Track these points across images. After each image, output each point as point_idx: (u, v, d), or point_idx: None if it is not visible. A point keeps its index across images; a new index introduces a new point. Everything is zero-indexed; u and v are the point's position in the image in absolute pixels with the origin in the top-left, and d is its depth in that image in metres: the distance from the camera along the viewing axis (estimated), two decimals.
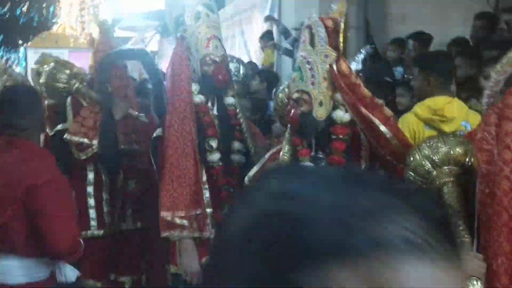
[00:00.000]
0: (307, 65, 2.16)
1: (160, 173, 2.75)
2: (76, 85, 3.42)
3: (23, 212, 2.31)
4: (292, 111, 2.19)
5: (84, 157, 3.26)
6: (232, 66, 3.39)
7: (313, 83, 2.17)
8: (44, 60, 4.09)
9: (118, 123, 3.27)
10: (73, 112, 3.36)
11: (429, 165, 1.84)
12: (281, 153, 2.32)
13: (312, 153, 2.28)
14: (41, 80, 3.58)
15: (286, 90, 2.62)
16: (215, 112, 2.88)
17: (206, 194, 2.76)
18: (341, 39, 2.21)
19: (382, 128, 2.16)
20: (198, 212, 2.69)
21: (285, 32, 6.37)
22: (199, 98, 2.80)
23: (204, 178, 2.78)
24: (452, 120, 2.80)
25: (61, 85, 3.44)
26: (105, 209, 3.43)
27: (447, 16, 6.11)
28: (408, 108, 3.32)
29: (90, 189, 3.40)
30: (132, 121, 3.41)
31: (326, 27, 2.18)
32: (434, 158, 1.83)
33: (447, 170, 1.82)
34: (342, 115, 2.24)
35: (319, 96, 2.19)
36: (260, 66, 7.26)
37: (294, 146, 2.30)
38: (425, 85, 2.97)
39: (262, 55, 7.89)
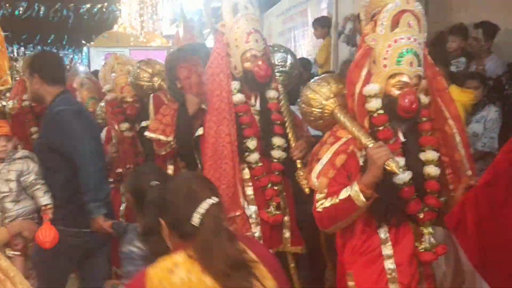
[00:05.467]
0: (421, 51, 2.08)
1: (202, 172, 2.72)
2: (158, 82, 3.57)
3: None
4: (412, 97, 2.02)
5: (163, 153, 3.35)
6: (278, 56, 3.29)
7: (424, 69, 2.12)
8: (128, 61, 4.17)
9: (193, 118, 3.31)
10: (155, 109, 3.45)
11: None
12: (367, 144, 2.06)
13: (403, 139, 2.16)
14: (128, 80, 3.77)
15: (328, 86, 2.41)
16: (257, 107, 2.81)
17: (249, 191, 2.71)
18: None
19: (451, 122, 2.21)
20: (237, 214, 2.65)
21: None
22: (238, 97, 2.73)
23: (247, 176, 2.73)
24: None
25: (143, 83, 3.62)
26: None
27: None
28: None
29: None
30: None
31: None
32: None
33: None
34: (425, 98, 2.19)
35: None
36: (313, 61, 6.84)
37: (384, 139, 2.07)
38: None
39: (317, 50, 7.49)
